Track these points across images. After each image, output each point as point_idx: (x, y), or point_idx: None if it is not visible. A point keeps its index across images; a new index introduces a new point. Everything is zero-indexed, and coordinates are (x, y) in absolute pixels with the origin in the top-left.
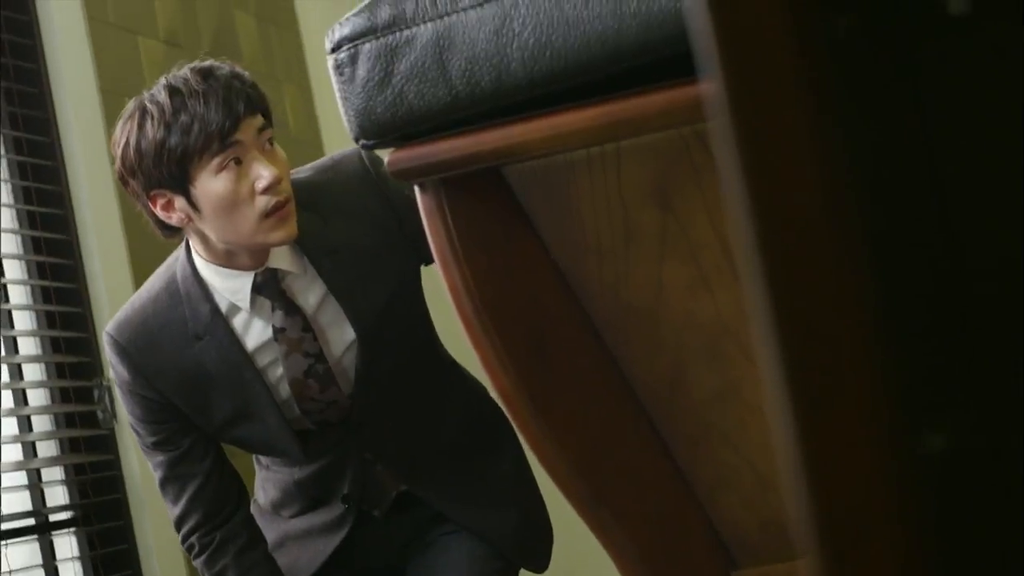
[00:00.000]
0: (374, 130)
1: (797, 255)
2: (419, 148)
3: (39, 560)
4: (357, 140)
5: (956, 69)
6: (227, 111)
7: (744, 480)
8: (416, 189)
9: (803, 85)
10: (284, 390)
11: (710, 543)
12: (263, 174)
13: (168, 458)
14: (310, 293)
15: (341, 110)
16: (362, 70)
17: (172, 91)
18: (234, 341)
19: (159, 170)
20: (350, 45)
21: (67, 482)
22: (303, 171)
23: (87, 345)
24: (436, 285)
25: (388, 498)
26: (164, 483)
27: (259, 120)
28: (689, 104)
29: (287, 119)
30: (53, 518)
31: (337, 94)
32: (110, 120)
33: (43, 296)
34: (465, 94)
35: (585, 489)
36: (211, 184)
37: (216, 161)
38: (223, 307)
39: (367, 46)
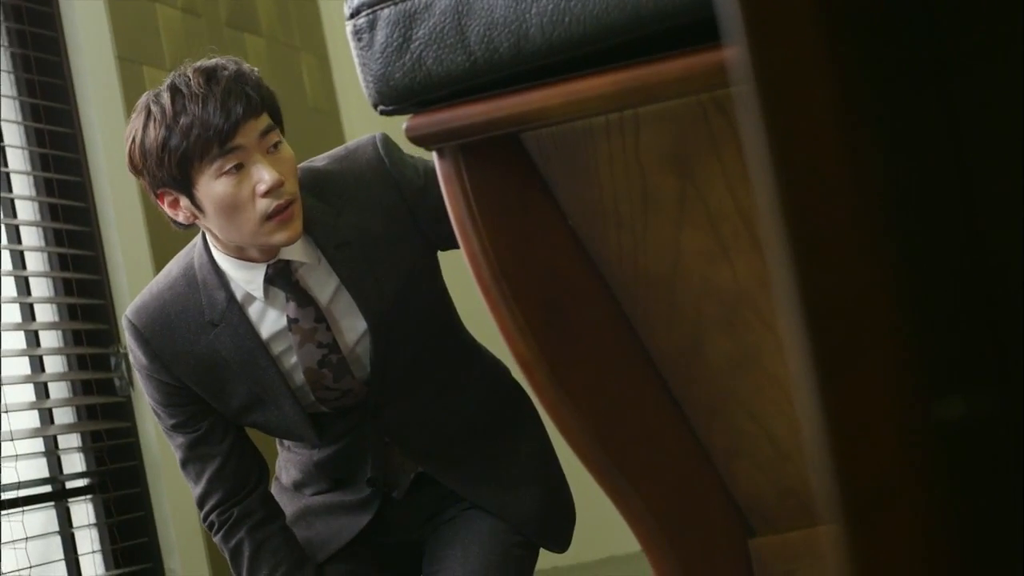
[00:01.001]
0: (392, 96)
1: (820, 222)
2: (437, 114)
3: (56, 527)
4: (376, 106)
5: (984, 39)
6: (225, 116)
7: (762, 448)
8: (434, 155)
9: (829, 52)
10: (299, 378)
11: (728, 510)
12: (264, 178)
13: (188, 440)
14: (323, 284)
15: (359, 76)
16: (380, 36)
17: (174, 92)
18: (249, 329)
19: (162, 171)
20: (369, 11)
21: (84, 449)
22: (319, 160)
23: (104, 312)
24: (460, 267)
25: (407, 479)
26: (184, 463)
27: (262, 123)
28: (708, 70)
29: (304, 88)
30: (70, 485)
31: (355, 60)
32: (127, 88)
33: (60, 263)
34: (484, 60)
35: (603, 456)
36: (212, 187)
37: (216, 165)
38: (239, 295)
39: (386, 11)
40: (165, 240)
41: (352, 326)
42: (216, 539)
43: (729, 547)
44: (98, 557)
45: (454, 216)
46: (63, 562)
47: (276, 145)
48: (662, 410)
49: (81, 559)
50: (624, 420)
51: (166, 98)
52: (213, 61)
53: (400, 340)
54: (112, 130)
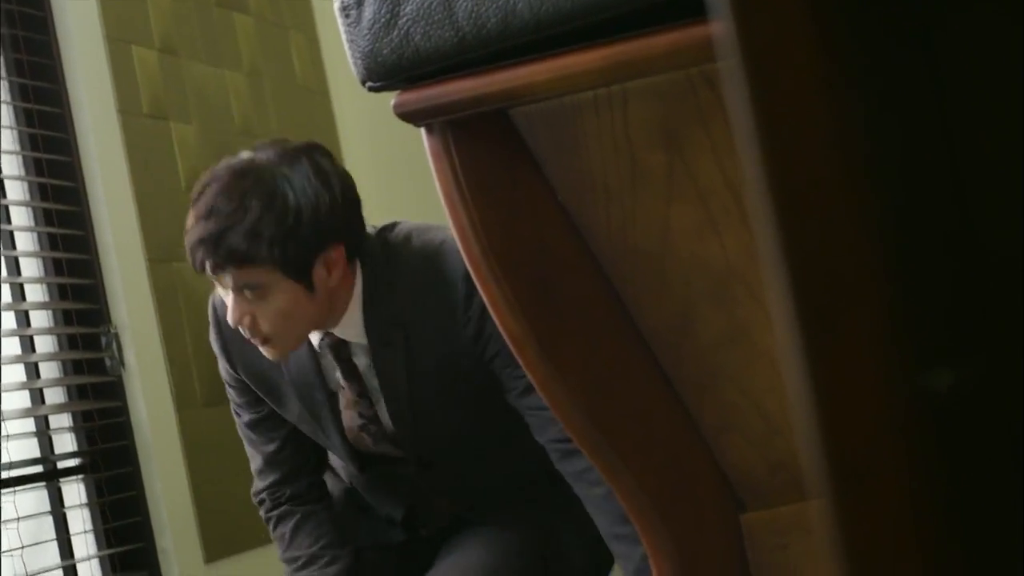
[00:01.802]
0: (380, 72)
1: (806, 191)
2: (425, 90)
3: (47, 507)
4: (364, 82)
5: (972, 16)
6: (193, 260)
7: (752, 423)
8: (423, 131)
9: (814, 26)
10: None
11: (718, 486)
12: (229, 315)
13: (249, 420)
14: (366, 364)
15: (347, 53)
16: (368, 12)
17: (196, 197)
18: (314, 364)
19: None
20: None
21: (75, 429)
22: (415, 233)
23: (94, 292)
24: None
25: (441, 521)
26: (246, 441)
27: (235, 274)
28: (696, 45)
29: (294, 67)
30: (61, 465)
31: (343, 37)
32: (116, 67)
33: (51, 243)
34: (472, 35)
35: (594, 432)
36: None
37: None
38: (315, 338)
39: None
40: (154, 219)
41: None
42: (262, 513)
43: (720, 522)
44: (90, 537)
45: (443, 192)
46: (55, 542)
47: (254, 291)
48: (652, 385)
49: (73, 539)
50: (614, 396)
51: (196, 194)
52: (235, 182)
53: (432, 434)
54: (101, 108)
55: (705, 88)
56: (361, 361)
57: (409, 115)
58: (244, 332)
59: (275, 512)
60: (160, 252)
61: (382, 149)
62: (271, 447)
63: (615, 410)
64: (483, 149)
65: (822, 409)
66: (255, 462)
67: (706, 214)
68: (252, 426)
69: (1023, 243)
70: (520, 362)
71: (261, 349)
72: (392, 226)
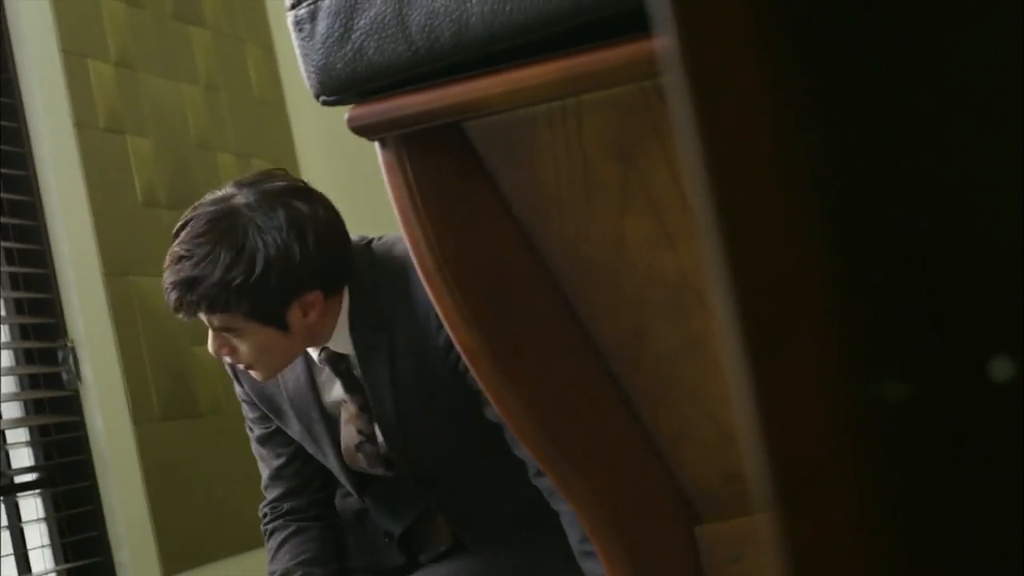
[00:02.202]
0: (334, 86)
1: (750, 204)
2: (379, 104)
3: (4, 521)
4: (317, 96)
5: (916, 32)
6: (168, 303)
7: (707, 434)
8: (377, 145)
9: (755, 37)
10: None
11: (674, 497)
12: (209, 347)
13: (258, 434)
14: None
15: (301, 67)
16: (322, 26)
17: (175, 235)
18: (310, 382)
19: None
20: (310, 1)
21: (32, 443)
22: (398, 239)
23: (51, 306)
24: None
25: (439, 548)
26: (257, 456)
27: (207, 316)
28: (650, 58)
29: (250, 79)
30: (18, 479)
31: (297, 51)
32: (72, 80)
33: (7, 257)
34: (425, 49)
35: (548, 444)
36: None
37: None
38: (313, 353)
39: (327, 2)
40: (111, 232)
41: None
42: (262, 527)
43: (676, 534)
44: (47, 551)
45: (396, 205)
46: (12, 556)
47: (231, 332)
48: (607, 398)
49: (30, 553)
50: (569, 408)
51: (175, 231)
52: (209, 228)
53: (424, 450)
54: (57, 122)
55: (659, 101)
56: (358, 372)
57: (363, 129)
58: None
59: (270, 525)
60: (117, 266)
61: (339, 162)
62: (278, 462)
63: (570, 422)
64: (437, 163)
65: (767, 419)
66: (263, 477)
67: (660, 226)
68: (261, 441)
69: (970, 252)
70: (474, 374)
71: (245, 370)
72: (382, 236)
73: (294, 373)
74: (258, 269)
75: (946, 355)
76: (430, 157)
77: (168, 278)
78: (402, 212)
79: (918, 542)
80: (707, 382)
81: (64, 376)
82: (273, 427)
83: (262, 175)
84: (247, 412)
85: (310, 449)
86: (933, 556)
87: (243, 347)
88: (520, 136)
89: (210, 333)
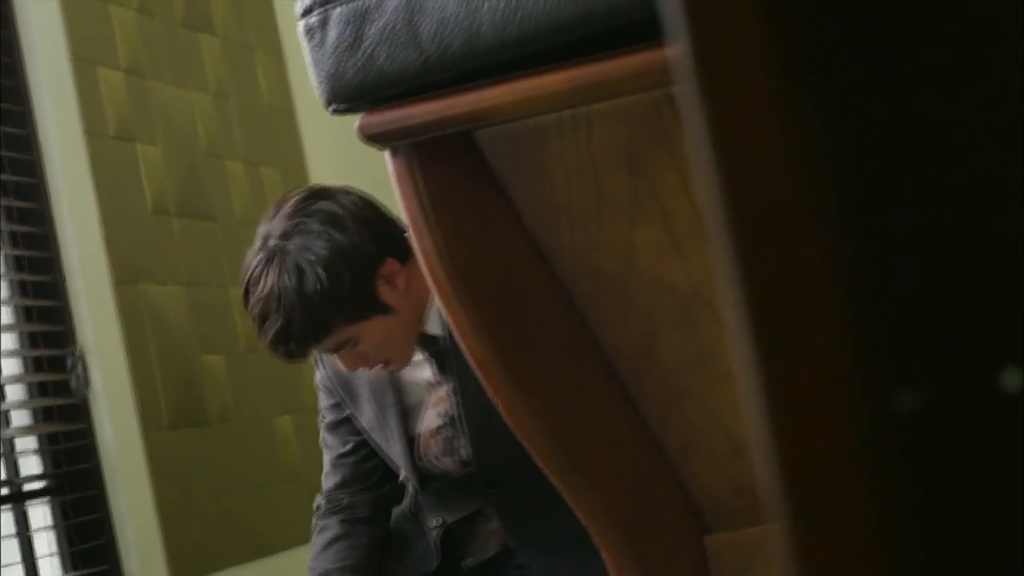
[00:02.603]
0: (345, 94)
1: (764, 213)
2: (390, 112)
3: (13, 529)
4: (328, 105)
5: (933, 35)
6: (281, 358)
7: (717, 445)
8: (387, 154)
9: (769, 43)
10: (417, 430)
11: (683, 508)
12: (342, 366)
13: (330, 420)
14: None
15: (311, 75)
16: (332, 34)
17: (245, 303)
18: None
19: None
20: (321, 9)
21: (40, 451)
22: None
23: (60, 314)
24: None
25: (486, 554)
26: (323, 445)
27: (324, 346)
28: (661, 67)
29: (260, 87)
30: (26, 487)
31: (307, 59)
32: (81, 88)
33: (16, 265)
34: (436, 57)
35: (558, 454)
36: None
37: None
38: None
39: (338, 10)
40: (120, 240)
41: None
42: (313, 521)
43: (685, 544)
44: (55, 559)
45: (407, 214)
46: (20, 564)
47: (349, 345)
48: (617, 408)
49: (39, 561)
50: (579, 418)
51: (243, 299)
52: (265, 285)
53: (500, 439)
54: (67, 130)
55: (670, 110)
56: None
57: (373, 137)
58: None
59: (322, 522)
60: (126, 274)
61: (348, 170)
62: (342, 449)
63: (580, 432)
64: (447, 171)
65: (781, 429)
66: (325, 466)
67: (671, 236)
68: (331, 427)
69: (989, 264)
70: (485, 384)
71: (387, 371)
72: None
73: None
74: (326, 276)
75: (965, 364)
76: (441, 166)
77: (266, 342)
78: (412, 221)
79: (934, 554)
80: (717, 392)
81: (73, 384)
82: (345, 414)
83: (275, 206)
84: (323, 399)
85: (377, 437)
86: (950, 569)
87: (369, 351)
88: (530, 145)
89: (340, 360)
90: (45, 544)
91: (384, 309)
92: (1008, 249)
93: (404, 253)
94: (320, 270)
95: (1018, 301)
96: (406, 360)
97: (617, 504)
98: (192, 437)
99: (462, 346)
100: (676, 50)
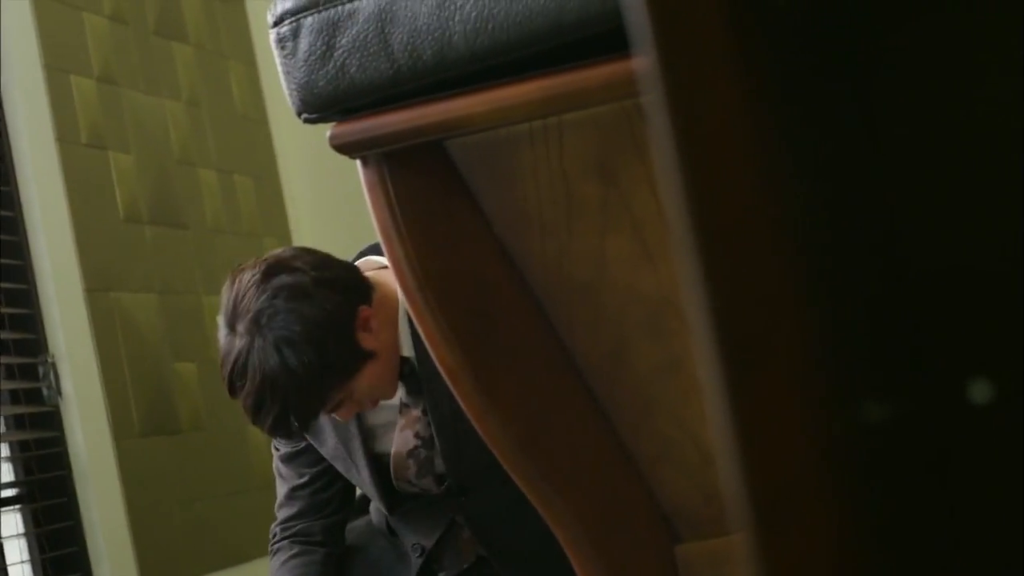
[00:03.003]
0: (316, 104)
1: (729, 225)
2: (361, 122)
3: None
4: (299, 114)
5: (895, 45)
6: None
7: (687, 454)
8: (358, 163)
9: (734, 55)
10: (386, 455)
11: (653, 517)
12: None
13: (285, 452)
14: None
15: (283, 84)
16: (304, 44)
17: (232, 395)
18: None
19: None
20: (292, 19)
21: (12, 459)
22: None
23: (32, 321)
24: None
25: (461, 566)
26: (277, 476)
27: (320, 415)
28: (631, 78)
29: (233, 96)
30: None
31: (279, 68)
32: (54, 96)
33: None
34: (407, 67)
35: (528, 463)
36: None
37: None
38: None
39: (309, 19)
40: (92, 248)
41: None
42: (269, 546)
43: (655, 554)
44: (27, 567)
45: (378, 224)
46: None
47: (345, 402)
48: (588, 417)
49: (10, 569)
50: (550, 427)
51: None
52: (256, 374)
53: (473, 449)
54: (39, 137)
55: (640, 120)
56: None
57: (344, 147)
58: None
59: (276, 546)
60: (98, 281)
61: (321, 179)
62: (297, 482)
63: (549, 441)
64: (419, 181)
65: (744, 438)
66: (279, 496)
67: (641, 246)
68: (286, 459)
69: (953, 274)
70: (455, 393)
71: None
72: None
73: None
74: (311, 351)
75: (928, 374)
76: (412, 175)
77: (265, 428)
78: (383, 230)
79: (897, 563)
80: (687, 402)
81: (45, 391)
82: (302, 446)
83: (231, 284)
84: None
85: (341, 468)
86: None
87: (362, 400)
88: (501, 155)
89: (340, 415)
90: (16, 552)
91: (369, 356)
92: (972, 259)
93: (368, 293)
94: (304, 347)
95: (981, 311)
96: (395, 390)
97: (587, 513)
98: (164, 445)
99: (433, 355)
100: (642, 62)
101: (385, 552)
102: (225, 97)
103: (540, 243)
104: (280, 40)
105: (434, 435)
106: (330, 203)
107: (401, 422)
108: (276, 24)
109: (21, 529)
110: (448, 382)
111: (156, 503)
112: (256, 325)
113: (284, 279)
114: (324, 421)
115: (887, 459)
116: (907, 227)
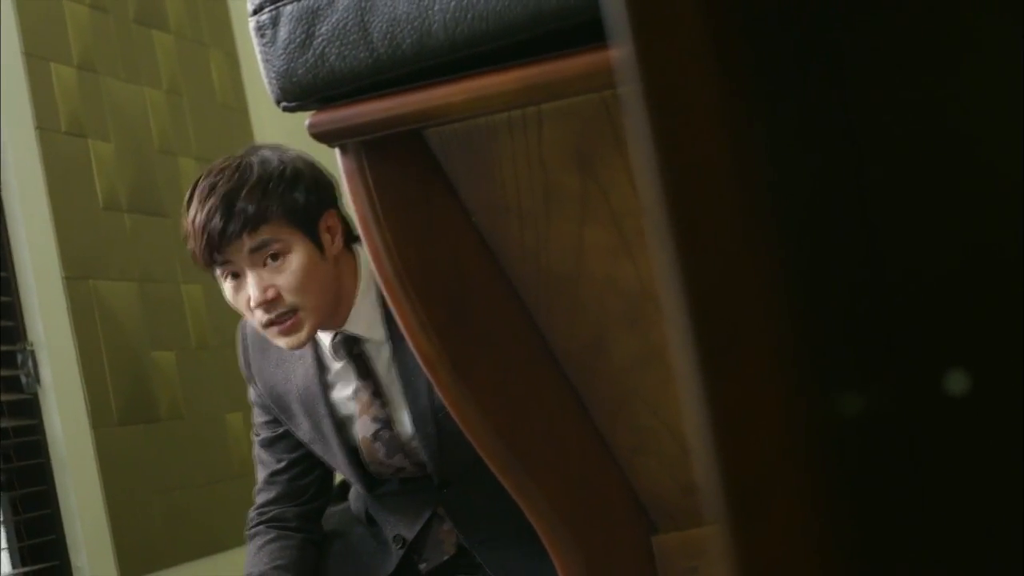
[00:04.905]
0: (295, 92)
1: (704, 217)
2: (340, 110)
3: None
4: (278, 103)
5: (878, 43)
6: (208, 239)
7: (664, 445)
8: (337, 152)
9: (711, 46)
10: (359, 440)
11: (631, 508)
12: (252, 293)
13: (264, 437)
14: (387, 364)
15: (262, 72)
16: (283, 32)
17: (192, 192)
18: (319, 378)
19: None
20: (272, 7)
21: None
22: None
23: (11, 310)
24: None
25: (442, 557)
26: (256, 461)
27: (253, 239)
28: (610, 68)
29: (213, 85)
30: None
31: (258, 56)
32: (34, 84)
33: None
34: (386, 56)
35: (506, 453)
36: (223, 287)
37: (217, 271)
38: (326, 339)
39: (289, 8)
40: (72, 236)
41: (407, 421)
42: (246, 531)
43: (633, 544)
44: (4, 555)
45: (357, 212)
46: None
47: (275, 257)
48: (565, 407)
49: None
50: (527, 417)
51: (187, 198)
52: (227, 163)
53: (455, 443)
54: (19, 125)
55: (619, 111)
56: (378, 359)
57: (323, 135)
58: (266, 316)
59: (253, 530)
60: (77, 270)
61: None
62: (276, 467)
63: (528, 431)
64: (397, 170)
65: (719, 430)
66: (258, 482)
67: (620, 236)
68: (266, 444)
69: (929, 268)
70: (433, 382)
71: (282, 341)
72: None
73: (304, 369)
74: (288, 173)
75: (900, 368)
76: (390, 164)
77: (200, 217)
78: (362, 218)
79: (871, 555)
80: (665, 393)
81: (23, 379)
82: (281, 431)
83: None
84: (257, 415)
85: (318, 449)
86: (886, 569)
87: (287, 276)
88: (480, 144)
89: (252, 281)
90: None
91: (317, 242)
92: (950, 250)
93: (335, 200)
94: (284, 167)
95: (956, 306)
96: (309, 323)
97: (564, 503)
98: (142, 433)
99: (413, 350)
100: (619, 53)
101: (364, 540)
102: (205, 86)
103: (518, 233)
104: (260, 28)
105: (410, 429)
106: None
107: (357, 408)
108: (256, 12)
109: None
110: (425, 370)
111: (134, 491)
112: (235, 165)
113: (264, 154)
114: (295, 406)
115: (863, 450)
116: (883, 220)
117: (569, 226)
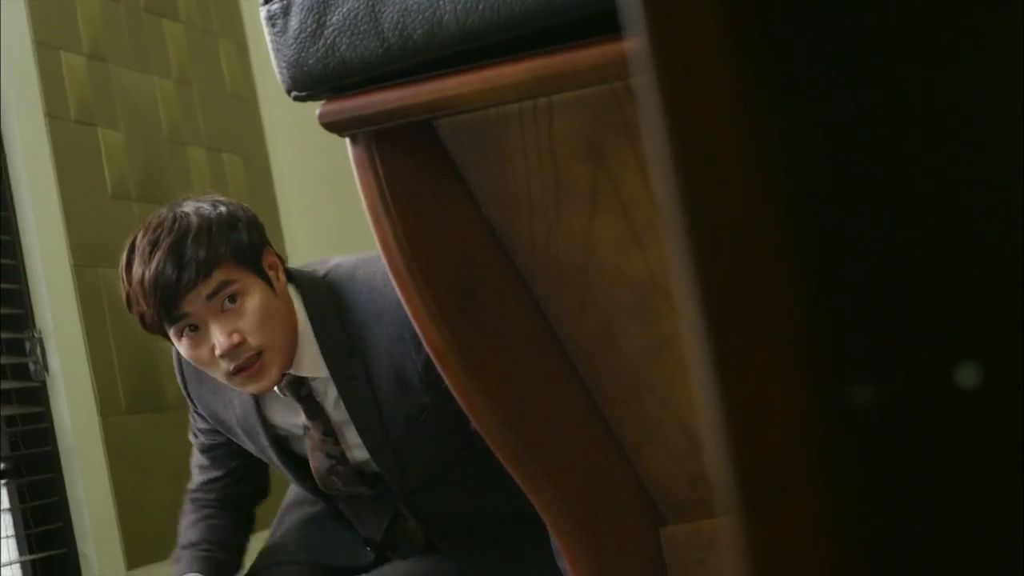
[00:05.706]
0: (305, 82)
1: (718, 210)
2: (350, 100)
3: None
4: (289, 92)
5: (892, 41)
6: (162, 295)
7: (673, 436)
8: (347, 141)
9: (726, 38)
10: (304, 457)
11: (639, 499)
12: (217, 341)
13: (204, 442)
14: (334, 401)
15: (273, 62)
16: (294, 21)
17: (131, 252)
18: (255, 407)
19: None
20: None
21: None
22: (358, 269)
23: (19, 297)
24: None
25: (413, 548)
26: (194, 460)
27: (209, 286)
28: (622, 59)
29: (223, 74)
30: None
31: (269, 46)
32: (44, 72)
33: None
34: (397, 46)
35: (515, 444)
36: (179, 345)
37: (173, 329)
38: None
39: None
40: (81, 224)
41: (361, 447)
42: (180, 517)
43: (641, 535)
44: (12, 542)
45: (366, 203)
46: None
47: (232, 299)
48: (574, 398)
49: None
50: (536, 408)
51: (126, 261)
52: (161, 219)
53: (414, 461)
54: (29, 113)
55: (630, 102)
56: (325, 397)
57: (334, 125)
58: (232, 363)
59: (184, 516)
60: (86, 258)
61: (310, 158)
62: (213, 474)
63: (536, 422)
64: (407, 160)
65: (732, 422)
66: (193, 481)
67: (630, 227)
68: (205, 450)
69: (941, 264)
70: (442, 373)
71: (251, 388)
72: (326, 261)
73: (240, 399)
74: (227, 217)
75: (913, 362)
76: (400, 154)
77: (150, 272)
78: (372, 209)
79: (881, 549)
80: (674, 384)
81: (31, 367)
82: (220, 440)
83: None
84: (197, 421)
85: (265, 459)
86: (896, 563)
87: (248, 317)
88: (491, 135)
89: (215, 329)
90: (1, 526)
91: (266, 278)
92: (962, 245)
93: (266, 240)
94: (221, 212)
95: (969, 300)
96: (275, 365)
97: (573, 494)
98: (150, 422)
99: (420, 334)
100: (633, 44)
101: (341, 531)
102: (215, 75)
103: (528, 224)
104: (271, 17)
105: (363, 457)
106: (319, 182)
107: (309, 444)
108: (267, 1)
109: (6, 504)
110: (435, 361)
111: (142, 479)
112: (171, 218)
113: (190, 204)
114: (236, 428)
115: (875, 443)
116: (897, 213)
117: (579, 217)
